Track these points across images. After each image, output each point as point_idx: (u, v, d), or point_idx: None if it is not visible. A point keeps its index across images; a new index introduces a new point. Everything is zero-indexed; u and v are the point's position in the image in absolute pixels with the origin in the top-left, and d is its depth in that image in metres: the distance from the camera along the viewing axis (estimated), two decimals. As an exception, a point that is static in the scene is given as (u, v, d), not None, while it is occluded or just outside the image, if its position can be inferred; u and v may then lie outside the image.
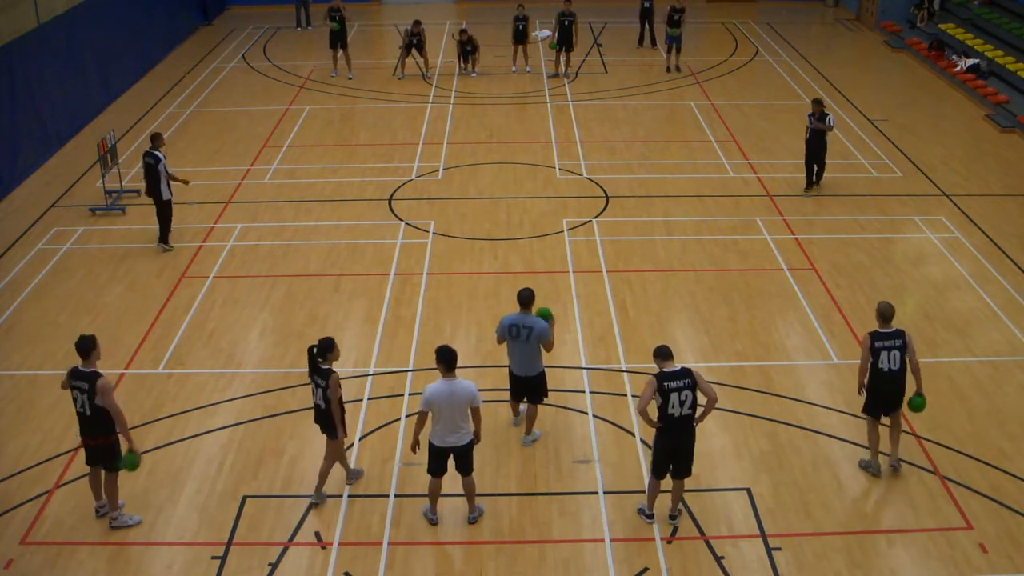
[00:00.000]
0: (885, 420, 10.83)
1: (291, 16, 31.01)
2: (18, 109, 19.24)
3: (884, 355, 10.42)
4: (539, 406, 11.54)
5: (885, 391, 10.52)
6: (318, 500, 10.42)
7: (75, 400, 9.86)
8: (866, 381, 10.57)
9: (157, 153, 15.84)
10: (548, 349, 11.00)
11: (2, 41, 18.91)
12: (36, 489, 10.77)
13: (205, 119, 22.56)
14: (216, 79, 25.62)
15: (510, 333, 10.88)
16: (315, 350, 10.04)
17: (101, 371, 9.85)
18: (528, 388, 11.17)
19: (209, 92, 24.57)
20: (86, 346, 9.84)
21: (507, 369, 11.32)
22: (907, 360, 10.45)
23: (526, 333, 10.78)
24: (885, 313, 10.57)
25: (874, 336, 10.50)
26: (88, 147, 20.13)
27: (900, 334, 10.50)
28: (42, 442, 11.54)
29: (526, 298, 10.89)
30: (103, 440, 9.90)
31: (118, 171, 18.29)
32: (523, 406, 11.52)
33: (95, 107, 22.81)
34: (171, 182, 15.91)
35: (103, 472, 10.12)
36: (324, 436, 10.36)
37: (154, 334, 13.78)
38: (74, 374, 9.83)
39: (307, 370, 10.22)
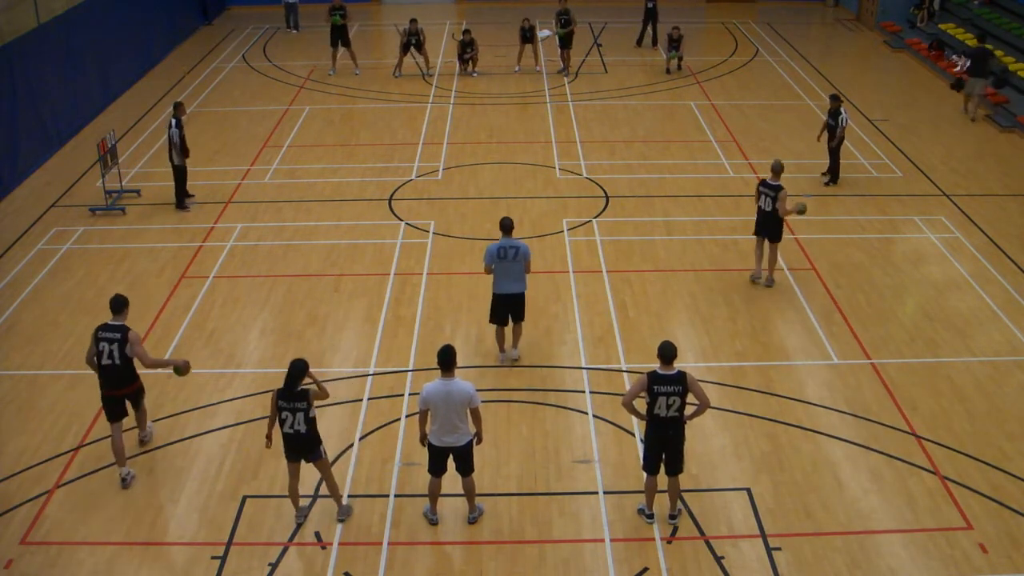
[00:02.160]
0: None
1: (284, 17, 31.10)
2: (18, 109, 19.25)
3: (762, 199, 14.32)
4: (540, 406, 11.77)
5: (761, 223, 14.50)
6: (343, 517, 10.28)
7: (102, 352, 10.34)
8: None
9: (172, 120, 17.13)
10: (528, 270, 12.58)
11: (2, 41, 18.91)
12: (36, 489, 10.77)
13: (205, 119, 22.56)
14: (216, 79, 25.63)
15: (499, 255, 12.38)
16: (290, 379, 9.60)
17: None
18: (513, 306, 12.68)
19: (209, 92, 24.57)
20: (119, 303, 10.50)
21: (492, 301, 12.75)
22: (777, 207, 14.10)
23: (513, 252, 12.37)
24: (776, 169, 14.31)
25: (762, 184, 14.35)
26: (88, 147, 20.14)
27: (779, 187, 14.14)
28: (42, 442, 11.54)
29: (508, 225, 12.48)
30: (129, 388, 10.63)
31: (118, 171, 18.29)
32: (505, 352, 12.97)
33: (95, 107, 22.80)
34: (179, 149, 17.04)
35: (134, 411, 10.82)
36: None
37: (154, 334, 13.79)
38: (103, 327, 10.39)
39: (275, 400, 9.70)
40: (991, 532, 10.10)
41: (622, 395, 12.18)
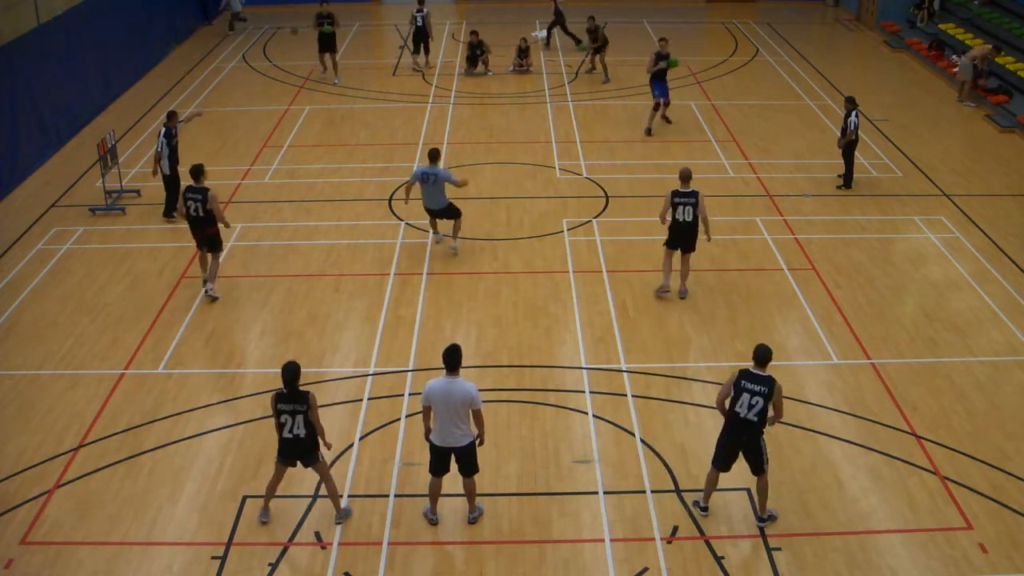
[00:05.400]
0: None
1: (290, 16, 31.00)
2: (18, 109, 19.24)
3: (680, 209, 13.93)
4: (540, 406, 11.87)
5: (678, 234, 14.09)
6: (342, 520, 10.25)
7: (189, 208, 14.01)
8: (667, 223, 14.19)
9: (163, 129, 17.01)
10: (460, 184, 15.60)
11: (2, 41, 18.91)
12: (36, 489, 10.77)
13: (205, 119, 22.45)
14: (216, 79, 25.62)
15: (423, 179, 15.21)
16: (288, 378, 9.55)
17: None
18: (443, 215, 15.57)
19: (209, 92, 24.57)
20: (198, 171, 14.03)
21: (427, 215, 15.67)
22: (698, 215, 13.87)
23: (432, 178, 15.15)
24: (684, 176, 14.07)
25: (674, 194, 13.98)
26: (88, 147, 20.13)
27: (695, 194, 13.90)
28: (42, 442, 11.54)
29: (433, 154, 15.29)
30: (210, 230, 14.20)
31: (118, 171, 18.29)
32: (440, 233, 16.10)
33: (95, 107, 22.80)
34: (168, 159, 16.86)
35: (209, 255, 14.39)
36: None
37: (154, 334, 13.79)
38: (189, 189, 14.04)
39: (275, 403, 9.66)
40: (991, 532, 10.10)
41: (623, 395, 12.25)
